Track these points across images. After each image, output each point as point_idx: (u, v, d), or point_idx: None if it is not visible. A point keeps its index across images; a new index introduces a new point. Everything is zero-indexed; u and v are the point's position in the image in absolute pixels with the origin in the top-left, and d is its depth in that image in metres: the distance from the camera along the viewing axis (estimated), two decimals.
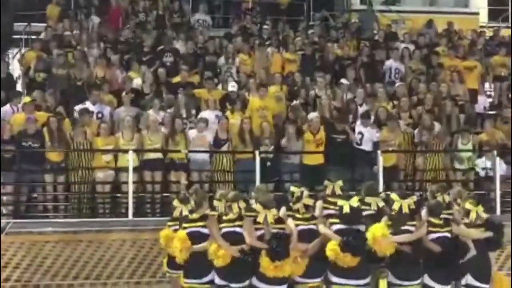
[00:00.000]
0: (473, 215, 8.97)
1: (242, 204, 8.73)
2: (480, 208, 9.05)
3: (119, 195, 12.58)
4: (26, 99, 13.32)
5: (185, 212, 9.17)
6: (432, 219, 8.81)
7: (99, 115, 13.64)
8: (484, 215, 9.05)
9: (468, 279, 8.85)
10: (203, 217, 8.78)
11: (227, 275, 8.57)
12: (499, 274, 9.67)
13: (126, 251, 11.58)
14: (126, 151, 12.24)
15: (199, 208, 8.88)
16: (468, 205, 9.06)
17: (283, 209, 8.92)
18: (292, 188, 9.09)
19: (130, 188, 11.98)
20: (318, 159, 13.25)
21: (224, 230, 8.64)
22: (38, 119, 12.68)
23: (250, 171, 12.45)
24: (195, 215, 8.89)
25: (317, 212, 8.97)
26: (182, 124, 13.07)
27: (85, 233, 11.52)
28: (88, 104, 13.65)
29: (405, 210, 8.67)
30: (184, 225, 8.90)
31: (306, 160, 13.28)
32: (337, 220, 8.72)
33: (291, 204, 8.97)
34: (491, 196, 13.26)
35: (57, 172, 12.47)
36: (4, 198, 12.10)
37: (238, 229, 8.60)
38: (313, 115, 13.70)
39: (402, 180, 13.65)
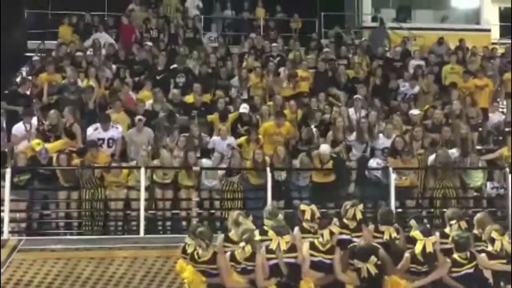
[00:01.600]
0: (498, 245, 8.65)
1: (257, 241, 8.58)
2: (506, 238, 8.75)
3: (130, 212, 12.59)
4: (34, 144, 12.72)
5: (197, 250, 8.74)
6: (457, 256, 8.51)
7: (110, 141, 13.53)
8: (510, 247, 8.73)
9: None
10: (213, 259, 8.53)
11: None
12: None
13: (138, 268, 11.54)
14: (138, 168, 12.34)
15: (209, 247, 8.56)
16: (494, 234, 8.73)
17: (296, 231, 8.90)
18: (302, 207, 9.10)
19: (142, 205, 11.98)
20: (329, 177, 13.10)
21: (236, 269, 8.52)
22: (51, 150, 12.64)
23: (260, 189, 12.48)
24: (204, 257, 8.56)
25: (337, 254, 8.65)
26: (195, 158, 12.94)
27: (96, 250, 11.51)
28: (99, 129, 13.53)
29: (429, 249, 8.36)
30: (194, 264, 8.65)
31: (316, 178, 13.13)
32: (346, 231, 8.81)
33: (303, 224, 8.94)
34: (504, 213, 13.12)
35: (69, 190, 12.50)
36: (17, 215, 12.12)
37: (249, 268, 8.48)
38: (324, 148, 13.21)
39: (414, 198, 13.54)
